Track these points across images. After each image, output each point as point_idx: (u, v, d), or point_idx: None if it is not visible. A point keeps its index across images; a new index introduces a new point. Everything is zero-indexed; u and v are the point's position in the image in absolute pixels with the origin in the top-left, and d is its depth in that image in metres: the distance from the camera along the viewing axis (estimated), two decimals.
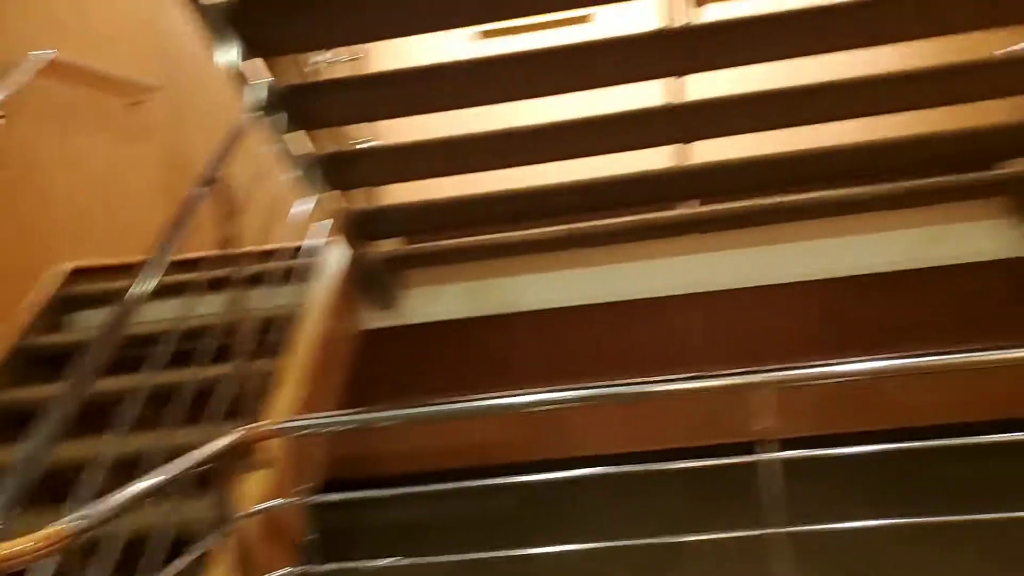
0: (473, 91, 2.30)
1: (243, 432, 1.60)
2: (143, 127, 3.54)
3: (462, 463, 2.11)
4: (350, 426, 1.74)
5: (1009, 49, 2.74)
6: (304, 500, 1.91)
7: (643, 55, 2.24)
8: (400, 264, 3.10)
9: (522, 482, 2.10)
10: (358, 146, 2.53)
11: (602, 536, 1.98)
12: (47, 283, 2.86)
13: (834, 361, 1.81)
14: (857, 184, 2.95)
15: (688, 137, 2.74)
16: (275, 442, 1.85)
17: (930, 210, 3.06)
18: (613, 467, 2.09)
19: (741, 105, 2.43)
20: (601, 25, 4.99)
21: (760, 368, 1.81)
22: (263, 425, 1.78)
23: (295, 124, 2.19)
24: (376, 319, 3.16)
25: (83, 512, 1.07)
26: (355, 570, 1.94)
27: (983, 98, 2.54)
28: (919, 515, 1.89)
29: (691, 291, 3.24)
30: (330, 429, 1.74)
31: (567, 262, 3.17)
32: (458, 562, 1.96)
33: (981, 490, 1.95)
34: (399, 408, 1.83)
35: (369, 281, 3.03)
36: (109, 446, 1.44)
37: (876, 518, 1.94)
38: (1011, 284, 3.25)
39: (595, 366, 1.99)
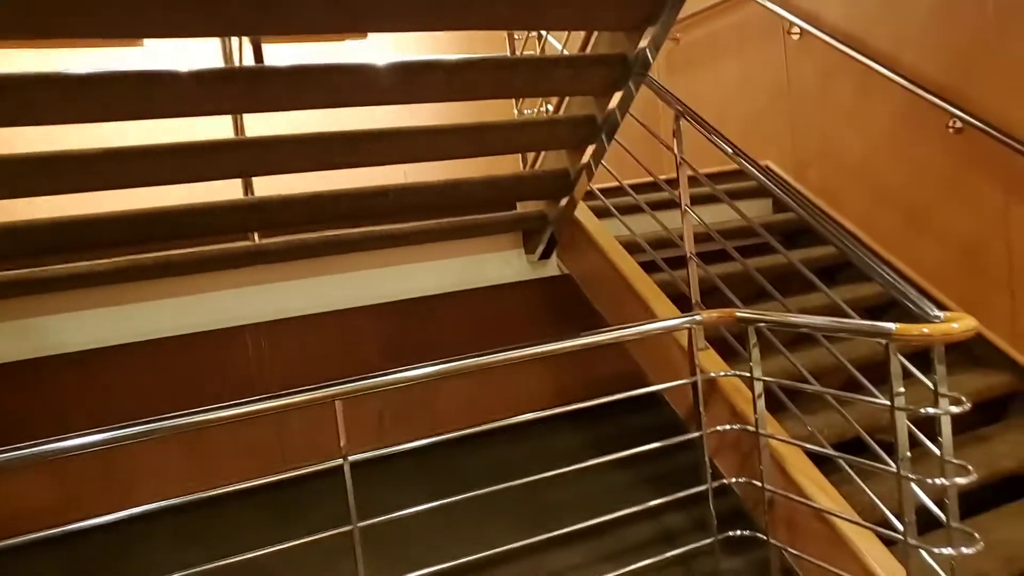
0: (7, 111, 2.03)
1: None
2: None
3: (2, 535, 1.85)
4: None
5: (525, 112, 3.42)
6: None
7: (205, 91, 2.22)
8: None
9: (74, 544, 1.92)
10: None
11: None
12: None
13: (392, 370, 2.08)
14: (402, 221, 3.29)
15: (249, 171, 2.79)
16: None
17: (464, 243, 3.56)
18: (174, 499, 2.05)
19: (297, 144, 2.55)
20: (150, 49, 4.78)
21: (325, 383, 1.97)
22: None
23: None
24: None
25: None
26: None
27: (506, 152, 3.05)
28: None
29: (251, 322, 3.29)
30: None
31: (124, 296, 2.97)
32: None
33: (507, 470, 2.39)
34: None
35: None
36: None
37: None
38: (525, 301, 3.95)
39: (152, 409, 1.92)
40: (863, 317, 2.53)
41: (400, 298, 3.55)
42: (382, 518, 2.10)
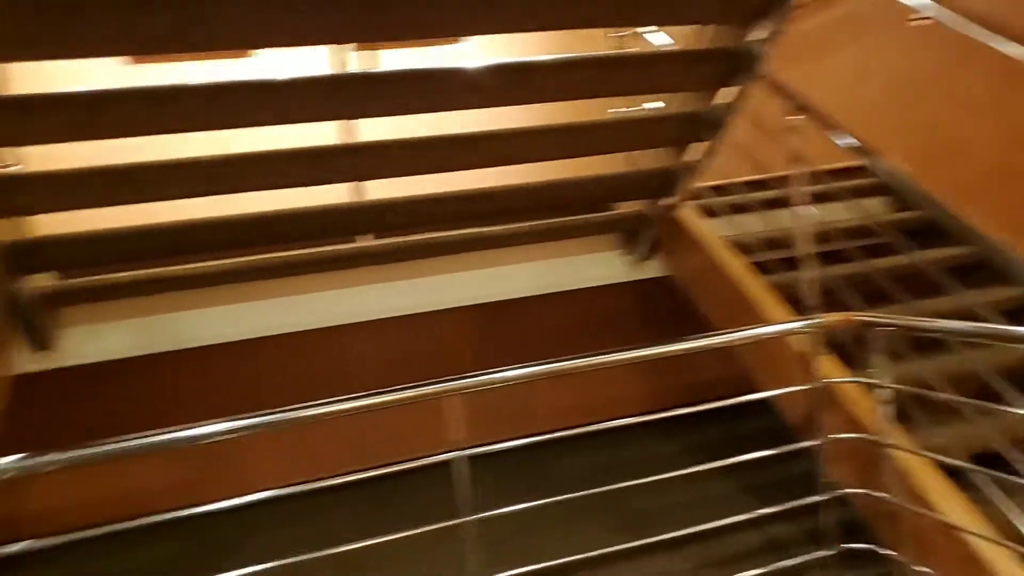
0: (141, 120, 2.17)
1: None
2: None
3: (129, 512, 1.98)
4: (43, 469, 1.56)
5: (619, 111, 3.37)
6: None
7: (315, 97, 2.31)
8: (55, 301, 2.79)
9: (192, 526, 2.04)
10: (9, 171, 2.25)
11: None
12: None
13: (506, 367, 2.07)
14: (500, 223, 3.31)
15: (362, 175, 2.86)
16: None
17: (560, 244, 3.54)
18: (296, 486, 2.12)
19: (404, 149, 2.61)
20: (262, 60, 4.97)
21: (446, 377, 1.98)
22: None
23: None
24: (28, 362, 2.80)
25: None
26: None
27: (601, 152, 3.00)
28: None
29: (362, 320, 3.37)
30: (13, 473, 1.54)
31: (241, 295, 3.10)
32: None
33: (600, 474, 2.35)
34: (74, 449, 1.69)
35: (21, 320, 2.68)
36: None
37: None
38: (622, 303, 3.91)
39: (275, 399, 2.01)
40: (998, 323, 2.37)
41: (497, 299, 3.56)
42: (494, 512, 2.10)
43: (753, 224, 3.17)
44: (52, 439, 3.01)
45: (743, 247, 3.11)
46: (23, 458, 1.63)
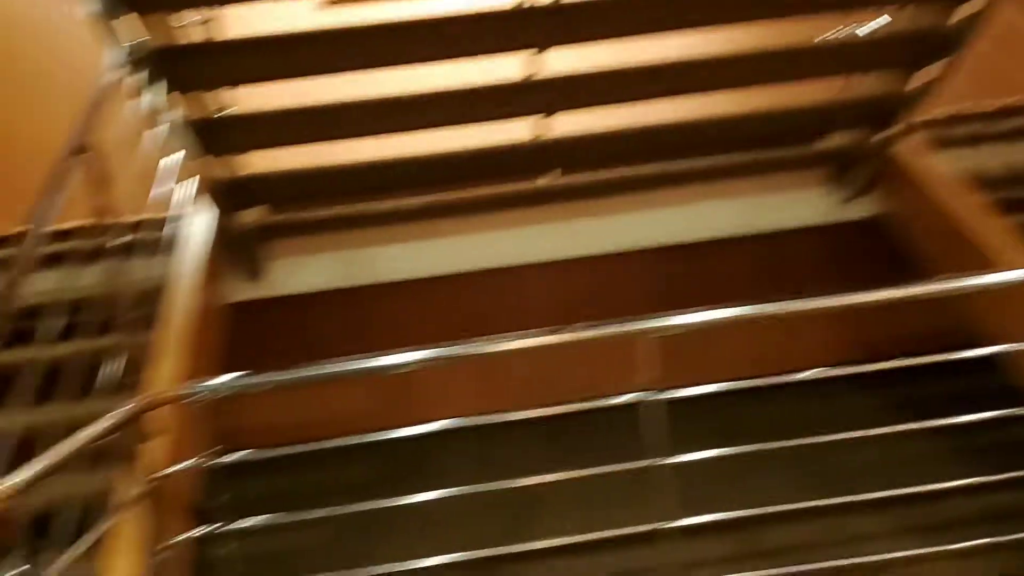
0: (335, 59, 2.26)
1: (147, 399, 1.55)
2: None
3: (329, 433, 2.13)
4: (260, 388, 1.73)
5: (827, 35, 3.06)
6: (209, 463, 1.88)
7: (504, 29, 2.30)
8: (267, 234, 3.02)
9: (383, 449, 2.17)
10: (228, 112, 2.42)
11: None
12: None
13: (705, 309, 1.98)
14: (693, 157, 3.13)
15: (549, 109, 2.77)
16: (170, 411, 1.79)
17: (758, 181, 3.29)
18: (485, 417, 2.16)
19: (598, 80, 2.53)
20: None
21: (639, 316, 1.94)
22: (163, 393, 1.72)
23: (165, 86, 2.07)
24: (243, 291, 3.06)
25: None
26: (249, 531, 1.95)
27: (812, 77, 2.76)
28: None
29: (544, 260, 3.35)
30: (235, 390, 1.70)
31: (433, 232, 3.18)
32: (338, 518, 2.02)
33: (801, 425, 2.21)
34: (281, 372, 1.82)
35: (237, 251, 2.93)
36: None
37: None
38: (828, 246, 3.61)
39: (461, 334, 2.06)
40: None
41: (686, 241, 3.39)
42: (687, 457, 2.03)
43: (993, 159, 2.77)
44: (263, 363, 3.30)
45: (979, 184, 2.76)
46: (238, 377, 1.78)
